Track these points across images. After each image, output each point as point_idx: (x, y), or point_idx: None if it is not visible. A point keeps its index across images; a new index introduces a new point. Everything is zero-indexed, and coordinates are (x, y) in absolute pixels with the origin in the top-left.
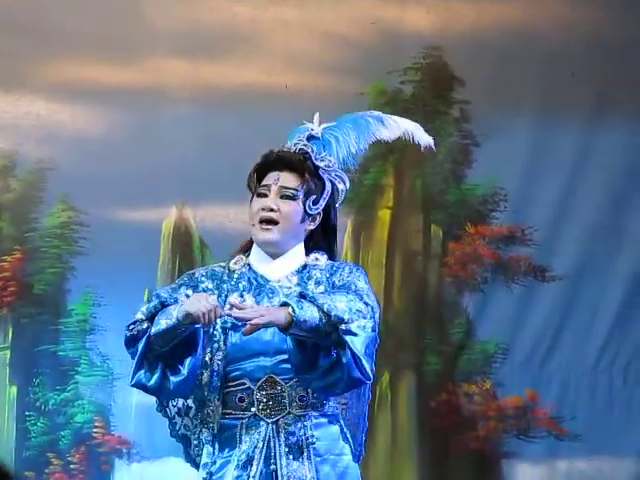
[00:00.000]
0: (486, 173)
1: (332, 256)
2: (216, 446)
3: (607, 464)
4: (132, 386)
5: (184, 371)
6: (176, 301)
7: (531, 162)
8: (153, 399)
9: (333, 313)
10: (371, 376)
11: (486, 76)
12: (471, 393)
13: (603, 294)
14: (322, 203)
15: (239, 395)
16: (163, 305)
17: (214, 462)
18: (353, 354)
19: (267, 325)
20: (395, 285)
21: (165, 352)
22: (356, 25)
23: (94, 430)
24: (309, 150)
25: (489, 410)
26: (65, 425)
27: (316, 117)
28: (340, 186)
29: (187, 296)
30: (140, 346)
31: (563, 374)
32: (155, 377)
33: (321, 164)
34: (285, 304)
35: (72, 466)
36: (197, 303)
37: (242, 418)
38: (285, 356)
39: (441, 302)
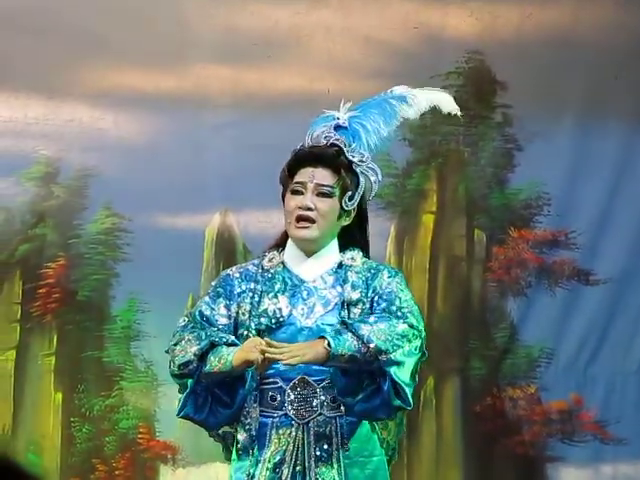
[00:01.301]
0: (529, 177)
1: (366, 249)
2: (255, 447)
3: None
4: (179, 417)
5: (233, 404)
6: (221, 336)
7: (574, 166)
8: None
9: (373, 345)
10: (412, 403)
11: (528, 80)
12: (515, 397)
13: None
14: (357, 198)
15: (271, 393)
16: (212, 344)
17: (254, 463)
18: (394, 383)
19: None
20: (439, 290)
21: (214, 385)
22: (398, 30)
23: (139, 436)
24: (341, 144)
25: (534, 414)
26: (110, 431)
27: (342, 105)
28: (373, 178)
29: (227, 316)
30: (189, 382)
31: (608, 378)
32: (204, 410)
33: (354, 158)
34: (322, 336)
35: (117, 472)
36: (254, 351)
37: (273, 417)
38: None
39: (485, 307)
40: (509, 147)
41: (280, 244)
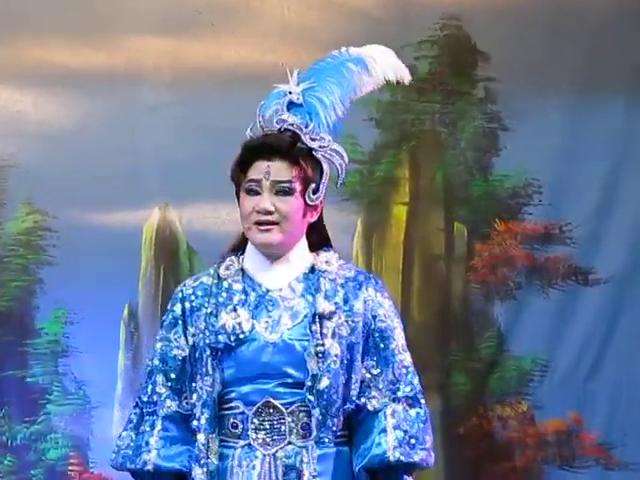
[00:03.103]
0: (516, 162)
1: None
2: None
3: None
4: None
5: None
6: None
7: (568, 148)
8: None
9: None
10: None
11: (514, 50)
12: (505, 417)
13: None
14: (323, 189)
15: (232, 420)
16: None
17: None
18: None
19: None
20: (414, 294)
21: None
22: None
23: (70, 467)
24: (297, 129)
25: (527, 437)
26: (36, 463)
27: (294, 76)
28: (338, 162)
29: (187, 345)
30: None
31: (611, 393)
32: None
33: (314, 143)
34: None
35: None
36: None
37: (235, 447)
38: (287, 379)
39: (468, 312)
40: (493, 127)
41: (238, 248)
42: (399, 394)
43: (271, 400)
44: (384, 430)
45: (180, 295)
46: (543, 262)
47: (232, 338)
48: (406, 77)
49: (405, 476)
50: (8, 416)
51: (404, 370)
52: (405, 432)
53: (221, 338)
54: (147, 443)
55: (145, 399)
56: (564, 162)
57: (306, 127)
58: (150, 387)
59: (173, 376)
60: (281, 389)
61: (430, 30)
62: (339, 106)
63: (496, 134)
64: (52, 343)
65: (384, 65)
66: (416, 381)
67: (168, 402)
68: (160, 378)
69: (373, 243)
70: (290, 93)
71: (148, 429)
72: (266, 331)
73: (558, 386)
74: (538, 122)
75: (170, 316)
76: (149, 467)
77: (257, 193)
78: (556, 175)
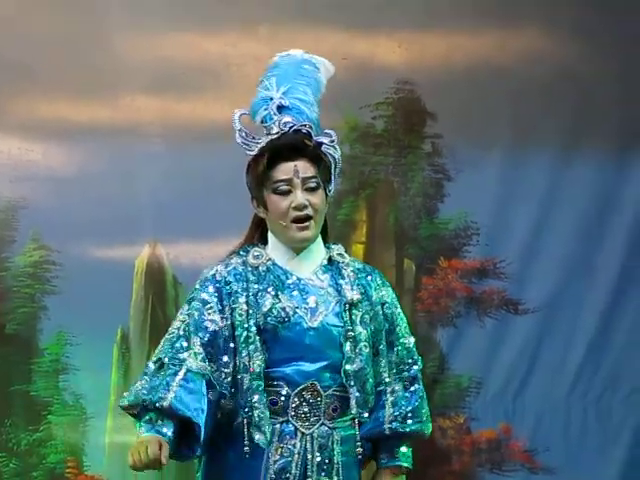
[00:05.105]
0: (458, 207)
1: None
2: (250, 453)
3: None
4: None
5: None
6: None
7: (503, 196)
8: (125, 438)
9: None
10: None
11: (458, 110)
12: (445, 427)
13: (575, 326)
14: (334, 181)
15: (273, 397)
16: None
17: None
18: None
19: None
20: None
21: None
22: (327, 60)
23: (67, 470)
24: (309, 128)
25: (463, 444)
26: (38, 465)
27: (273, 81)
28: (337, 155)
29: (221, 319)
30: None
31: (537, 407)
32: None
33: (325, 140)
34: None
35: None
36: (135, 454)
37: (274, 423)
38: (326, 361)
39: (415, 337)
40: (439, 177)
41: (254, 239)
42: (402, 374)
43: (315, 383)
44: (383, 406)
45: (212, 278)
46: (479, 294)
47: (279, 320)
48: (331, 68)
49: (402, 446)
50: (14, 425)
51: (407, 352)
52: (401, 408)
53: (270, 320)
54: (167, 383)
55: (170, 356)
56: (499, 208)
57: (311, 127)
58: (178, 345)
59: (206, 340)
60: (322, 373)
61: (386, 93)
62: (315, 104)
63: (441, 183)
64: (54, 362)
65: (320, 62)
66: (418, 361)
67: (196, 359)
68: (191, 340)
69: None
70: (272, 99)
71: (170, 374)
72: (306, 316)
73: (491, 401)
74: (477, 174)
75: (201, 294)
76: (164, 403)
77: (289, 192)
78: (492, 219)
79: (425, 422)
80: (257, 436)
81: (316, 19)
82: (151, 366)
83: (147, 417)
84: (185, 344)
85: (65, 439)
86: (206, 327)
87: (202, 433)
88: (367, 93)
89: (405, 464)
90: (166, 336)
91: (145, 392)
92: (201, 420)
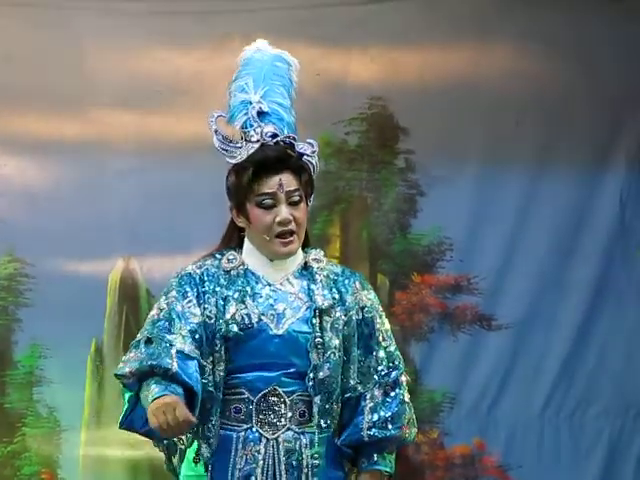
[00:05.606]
0: (431, 222)
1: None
2: (215, 463)
3: None
4: (122, 429)
5: None
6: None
7: (476, 211)
8: (99, 451)
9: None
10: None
11: (431, 126)
12: (418, 442)
13: (548, 343)
14: (313, 189)
15: (236, 405)
16: (152, 371)
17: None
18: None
19: None
20: None
21: None
22: (301, 76)
23: None
24: (292, 140)
25: (437, 459)
26: (12, 478)
27: (250, 82)
28: (314, 161)
29: (199, 315)
30: (128, 396)
31: (510, 422)
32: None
33: (307, 150)
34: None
35: None
36: (161, 416)
37: (237, 431)
38: (291, 369)
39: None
40: (412, 193)
41: (230, 242)
42: (381, 380)
43: (277, 388)
44: (362, 412)
45: (188, 275)
46: (453, 309)
47: (242, 328)
48: (297, 63)
49: (383, 452)
50: None
51: (387, 357)
52: (380, 415)
53: (232, 328)
54: (167, 351)
55: (155, 333)
56: (472, 224)
57: (295, 138)
58: (161, 325)
59: (191, 328)
60: (285, 378)
61: (359, 109)
62: (292, 107)
63: (414, 199)
64: (28, 374)
65: (290, 58)
66: (400, 366)
67: (185, 341)
68: (175, 325)
69: None
70: (250, 102)
71: (165, 347)
72: (272, 323)
73: (464, 416)
74: (450, 189)
75: (179, 287)
76: (173, 368)
77: (273, 206)
78: (465, 235)
79: (407, 427)
80: (203, 448)
81: (290, 35)
82: (140, 343)
83: (153, 381)
84: (168, 326)
85: (39, 451)
86: (188, 317)
87: (199, 405)
88: (341, 108)
89: (386, 469)
90: (147, 320)
91: (148, 358)
92: (199, 392)
